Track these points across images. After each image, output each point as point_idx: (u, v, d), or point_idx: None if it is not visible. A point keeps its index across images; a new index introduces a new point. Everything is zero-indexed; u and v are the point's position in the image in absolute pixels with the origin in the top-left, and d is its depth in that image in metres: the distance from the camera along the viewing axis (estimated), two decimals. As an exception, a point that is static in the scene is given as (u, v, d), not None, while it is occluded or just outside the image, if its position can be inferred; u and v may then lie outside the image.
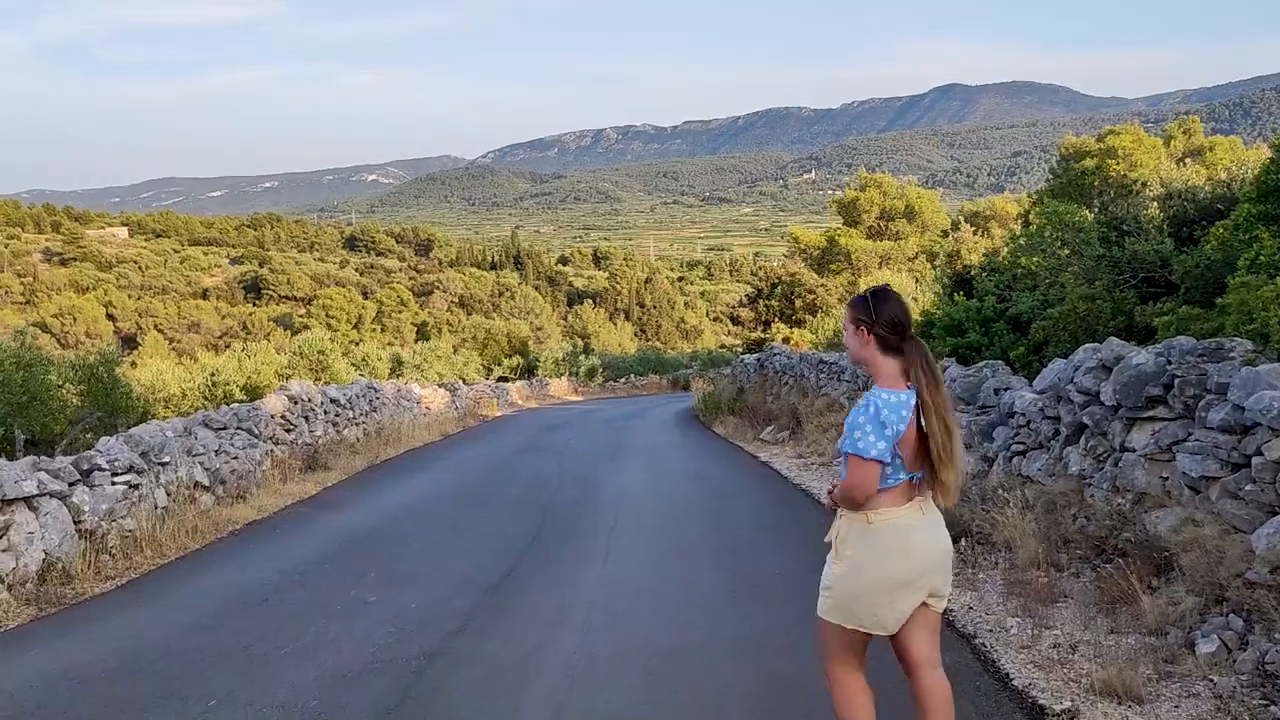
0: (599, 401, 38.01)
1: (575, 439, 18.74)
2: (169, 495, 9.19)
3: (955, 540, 5.64)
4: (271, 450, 13.18)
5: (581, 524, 8.97)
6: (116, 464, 8.26)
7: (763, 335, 37.67)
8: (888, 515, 3.28)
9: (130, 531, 8.10)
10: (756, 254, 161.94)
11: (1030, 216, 17.45)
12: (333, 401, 16.76)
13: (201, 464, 10.14)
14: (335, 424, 16.80)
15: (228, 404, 15.39)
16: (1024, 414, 7.64)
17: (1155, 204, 14.72)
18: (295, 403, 14.50)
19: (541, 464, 14.30)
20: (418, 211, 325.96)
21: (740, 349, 42.62)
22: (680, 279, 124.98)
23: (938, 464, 3.27)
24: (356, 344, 43.57)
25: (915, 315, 21.56)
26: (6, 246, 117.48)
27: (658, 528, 8.77)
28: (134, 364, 21.78)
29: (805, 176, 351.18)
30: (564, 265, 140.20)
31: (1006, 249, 14.97)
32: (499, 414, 30.11)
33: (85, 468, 7.95)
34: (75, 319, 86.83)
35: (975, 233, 27.95)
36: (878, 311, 3.34)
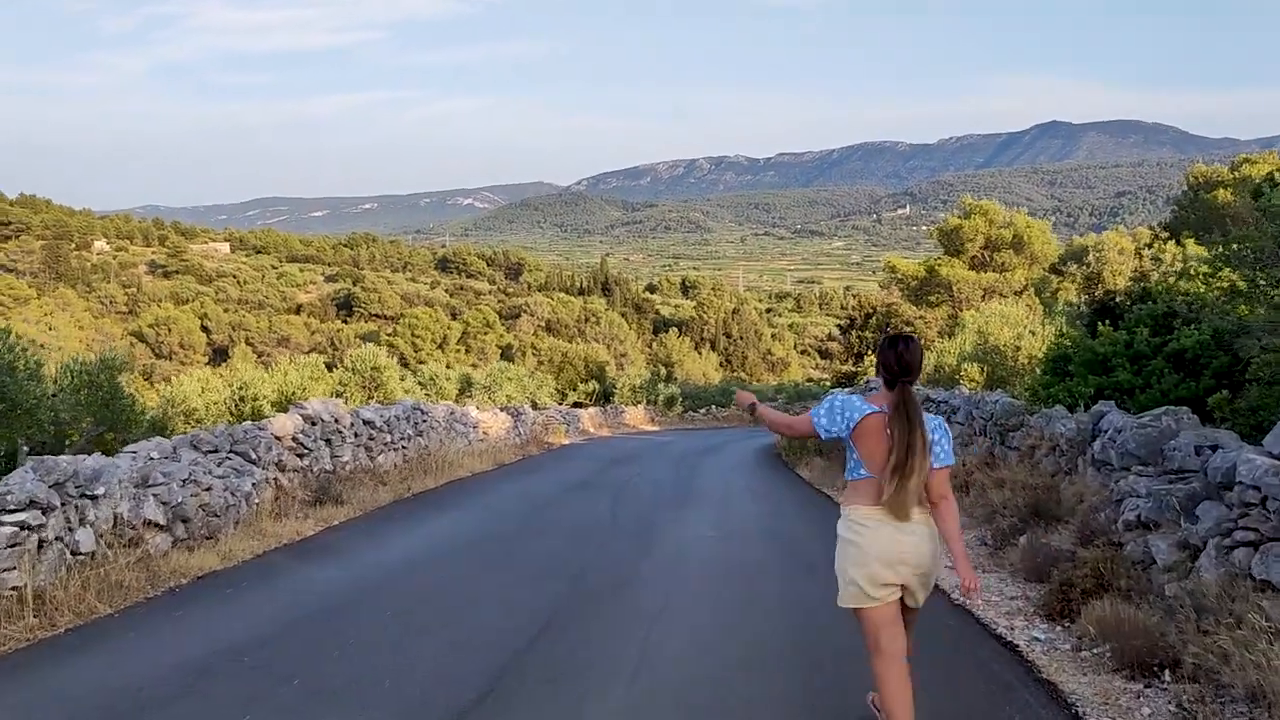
0: (675, 433, 35.75)
1: (640, 476, 16.53)
2: (98, 538, 7.22)
3: (1159, 669, 4.92)
4: (275, 479, 11.24)
5: (619, 604, 6.73)
6: (9, 499, 6.30)
7: (854, 369, 35.08)
8: (855, 509, 4.05)
9: (16, 588, 6.13)
10: (847, 288, 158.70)
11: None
12: (366, 423, 14.84)
13: (157, 497, 8.17)
14: (368, 448, 14.88)
15: (254, 420, 13.55)
16: (1254, 486, 5.20)
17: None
18: (313, 423, 12.56)
19: (593, 507, 12.12)
20: (510, 236, 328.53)
21: (829, 383, 39.98)
22: (768, 310, 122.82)
23: (893, 473, 3.89)
24: (422, 363, 41.97)
25: (1041, 349, 18.93)
26: (115, 258, 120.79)
27: (719, 616, 6.49)
28: (169, 376, 20.22)
29: (899, 211, 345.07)
30: (651, 293, 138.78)
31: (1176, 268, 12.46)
32: (566, 442, 28.06)
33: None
34: (170, 329, 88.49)
35: (1096, 266, 24.70)
36: (879, 353, 4.13)
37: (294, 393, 20.09)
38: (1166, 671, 4.86)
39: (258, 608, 6.64)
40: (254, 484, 10.28)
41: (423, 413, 18.07)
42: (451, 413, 20.42)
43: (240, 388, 17.46)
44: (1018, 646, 5.60)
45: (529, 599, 6.82)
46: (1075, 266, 18.09)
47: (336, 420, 13.70)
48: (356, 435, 14.39)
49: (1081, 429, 8.68)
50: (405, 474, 15.35)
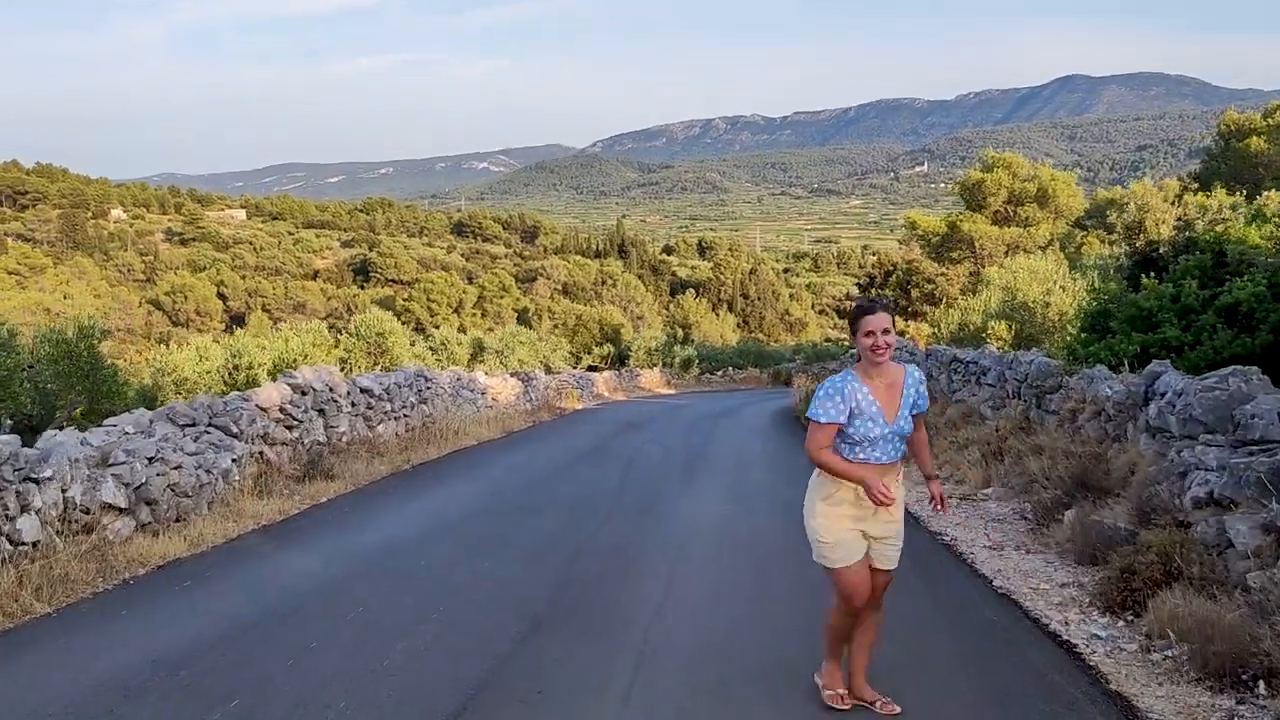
0: (691, 396, 34.98)
1: (652, 443, 15.79)
2: (44, 526, 6.54)
3: (1252, 681, 4.17)
4: (260, 454, 10.55)
5: (618, 595, 5.99)
6: (-71, 485, 5.60)
7: (874, 328, 34.14)
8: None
9: (-62, 587, 5.45)
10: (865, 247, 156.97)
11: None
12: (364, 392, 14.14)
13: (118, 478, 7.47)
14: (367, 418, 14.19)
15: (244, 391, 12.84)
16: (1359, 461, 4.40)
17: None
18: (303, 393, 11.84)
19: (600, 477, 11.39)
20: (526, 199, 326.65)
21: (849, 343, 39.18)
22: (786, 271, 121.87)
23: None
24: (437, 327, 41.28)
25: (1073, 305, 18.01)
26: (131, 226, 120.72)
27: (728, 608, 5.76)
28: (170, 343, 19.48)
29: (917, 169, 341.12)
30: (668, 255, 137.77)
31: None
32: (579, 407, 27.35)
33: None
34: (186, 297, 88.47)
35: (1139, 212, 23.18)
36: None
37: (294, 360, 19.41)
38: (1261, 683, 4.09)
39: (214, 603, 5.93)
40: (234, 460, 9.58)
41: (427, 380, 17.37)
42: (458, 379, 19.72)
43: (234, 356, 16.73)
44: (1076, 647, 4.83)
45: (518, 589, 6.09)
46: (1115, 215, 17.10)
47: (331, 389, 12.99)
48: (354, 405, 13.69)
49: (1132, 391, 7.86)
50: (407, 444, 14.67)
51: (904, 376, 4.10)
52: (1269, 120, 33.35)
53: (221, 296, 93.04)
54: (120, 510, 7.43)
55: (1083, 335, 11.37)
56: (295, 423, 11.48)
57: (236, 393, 10.93)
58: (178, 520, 8.08)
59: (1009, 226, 37.55)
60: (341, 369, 21.27)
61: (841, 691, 4.20)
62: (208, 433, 9.48)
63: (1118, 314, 10.71)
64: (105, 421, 8.89)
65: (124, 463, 7.59)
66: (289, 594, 6.11)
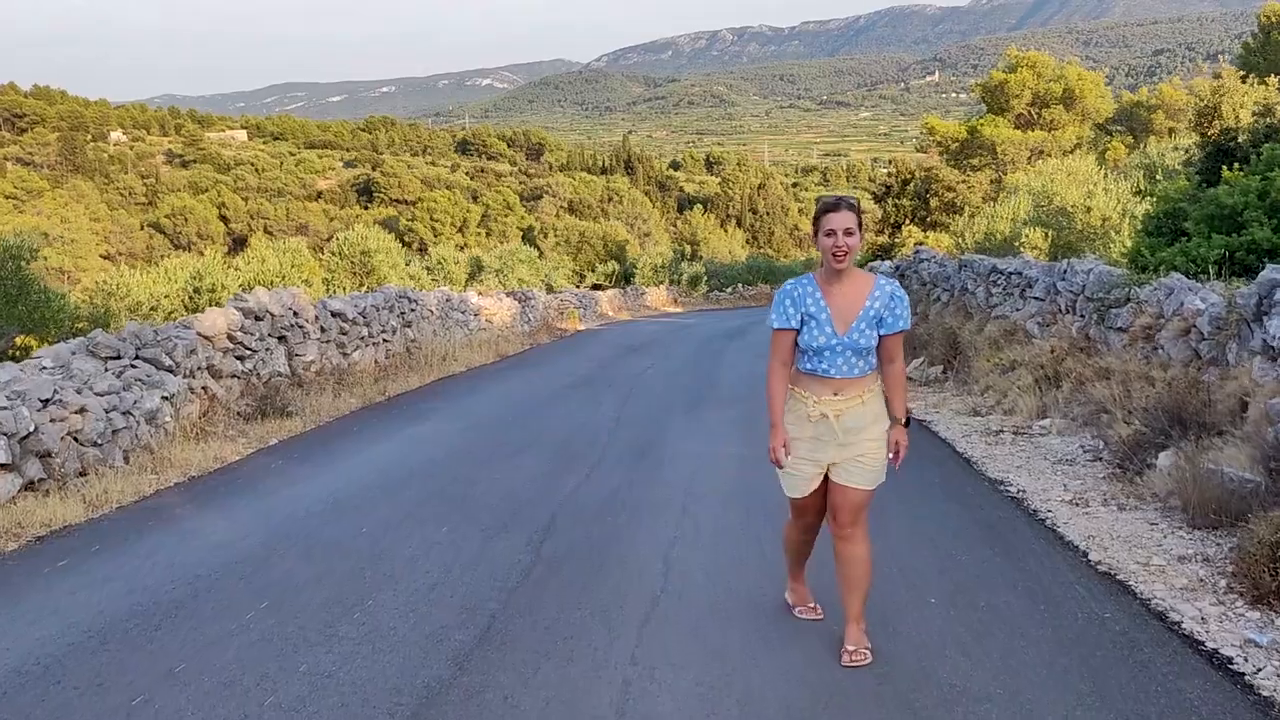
0: (699, 314, 33.52)
1: (654, 367, 14.43)
2: (-117, 491, 5.20)
3: None
4: (205, 388, 9.19)
5: (595, 584, 4.61)
6: None
7: (890, 240, 32.57)
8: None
9: None
10: (875, 159, 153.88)
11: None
12: (335, 315, 12.74)
13: (-2, 427, 6.12)
14: (340, 345, 12.82)
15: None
16: None
17: None
18: (257, 318, 10.43)
19: (593, 412, 10.01)
20: (531, 116, 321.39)
21: (865, 255, 37.46)
22: (795, 185, 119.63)
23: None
24: (426, 246, 39.70)
25: (1116, 208, 16.45)
26: (131, 149, 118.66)
27: (738, 601, 4.41)
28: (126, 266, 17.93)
29: (928, 79, 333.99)
30: (675, 170, 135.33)
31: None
32: (580, 328, 25.97)
33: None
34: (187, 220, 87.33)
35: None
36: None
37: (272, 281, 18.00)
38: None
39: (86, 593, 4.61)
40: (167, 398, 8.22)
41: (411, 301, 15.97)
42: (447, 300, 18.30)
43: (194, 278, 15.26)
44: (1231, 663, 3.48)
45: (469, 577, 4.73)
46: (1188, 97, 15.41)
47: (297, 313, 11.60)
48: (324, 330, 12.31)
49: (1237, 304, 6.40)
50: (387, 373, 13.33)
51: (871, 287, 3.68)
52: (1314, 10, 31.24)
53: (223, 219, 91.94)
54: (3, 467, 6.10)
55: (1151, 239, 9.86)
56: (248, 352, 10.10)
57: (176, 321, 9.55)
58: (81, 475, 6.76)
59: (1033, 130, 35.63)
60: (326, 290, 19.91)
61: (812, 604, 4.13)
62: (133, 366, 8.11)
63: (1193, 213, 9.19)
64: (35, 353, 7.62)
65: (4, 408, 6.23)
66: (181, 578, 4.77)
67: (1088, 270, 9.43)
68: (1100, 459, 6.67)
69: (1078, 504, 5.55)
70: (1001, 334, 11.06)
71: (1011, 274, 11.45)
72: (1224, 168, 9.37)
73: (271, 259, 18.09)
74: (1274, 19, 32.69)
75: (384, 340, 14.29)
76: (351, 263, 20.09)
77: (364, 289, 20.34)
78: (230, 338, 9.77)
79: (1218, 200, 8.91)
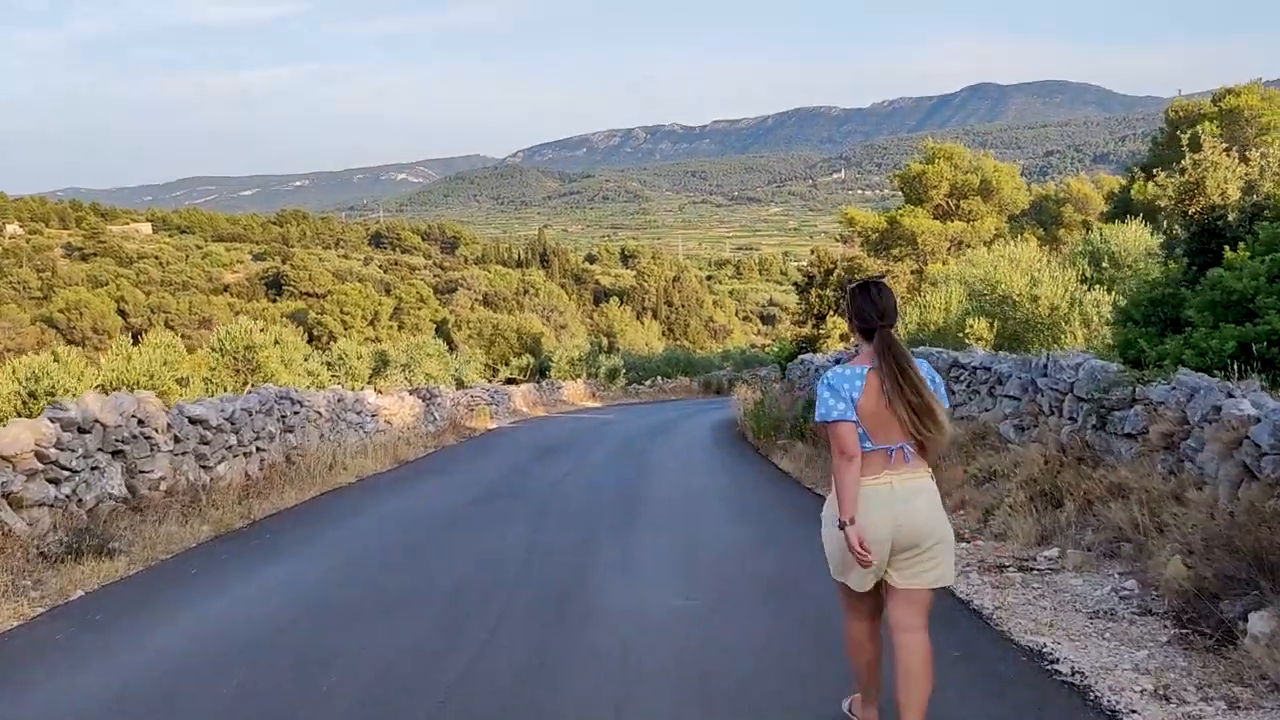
0: (619, 409, 31.92)
1: (572, 475, 12.74)
2: None
3: None
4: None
5: None
6: None
7: (815, 331, 31.56)
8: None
9: None
10: (785, 253, 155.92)
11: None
12: (195, 422, 10.83)
13: None
14: (201, 456, 10.89)
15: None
16: None
17: None
18: (81, 431, 8.51)
19: (497, 540, 8.24)
20: (446, 210, 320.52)
21: (775, 349, 36.34)
22: (709, 278, 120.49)
23: (914, 429, 3.38)
24: (335, 340, 37.66)
25: (1063, 296, 15.39)
26: (28, 242, 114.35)
27: None
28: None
29: (834, 176, 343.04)
30: (591, 264, 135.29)
31: None
32: (492, 426, 24.16)
33: None
34: (83, 314, 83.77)
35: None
36: (851, 304, 3.60)
37: (138, 382, 15.95)
38: None
39: None
40: (-67, 539, 6.28)
41: (294, 402, 14.11)
42: (340, 400, 16.45)
43: (30, 379, 13.17)
44: None
45: None
46: (1164, 175, 14.49)
47: (142, 422, 9.70)
48: (178, 440, 10.38)
49: (1319, 411, 4.99)
50: (259, 489, 11.38)
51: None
52: (1219, 105, 31.67)
53: (122, 313, 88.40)
54: None
55: (1139, 330, 8.57)
56: (66, 473, 8.15)
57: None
58: None
59: (952, 221, 35.31)
60: (205, 390, 17.87)
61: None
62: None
63: (1193, 301, 7.93)
64: None
65: None
66: None
67: (1075, 365, 8.09)
68: (1150, 611, 5.15)
69: (1168, 699, 3.95)
70: (970, 438, 9.65)
71: (977, 369, 10.11)
72: (1225, 248, 8.15)
73: (138, 357, 16.04)
74: (1181, 114, 33.11)
75: (257, 449, 12.38)
76: (234, 359, 18.10)
77: (248, 388, 18.36)
78: (40, 456, 7.82)
79: (1224, 285, 7.66)
